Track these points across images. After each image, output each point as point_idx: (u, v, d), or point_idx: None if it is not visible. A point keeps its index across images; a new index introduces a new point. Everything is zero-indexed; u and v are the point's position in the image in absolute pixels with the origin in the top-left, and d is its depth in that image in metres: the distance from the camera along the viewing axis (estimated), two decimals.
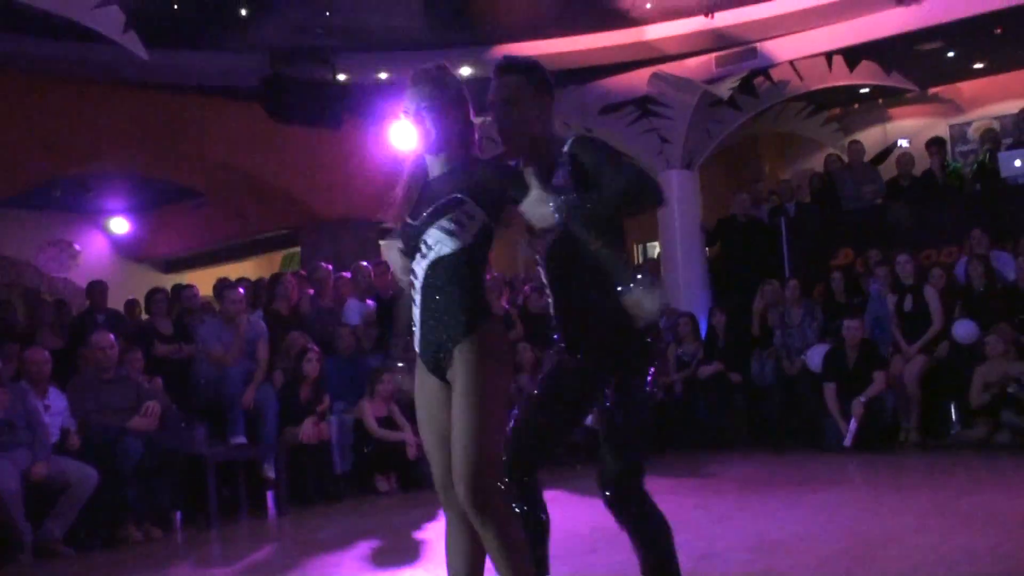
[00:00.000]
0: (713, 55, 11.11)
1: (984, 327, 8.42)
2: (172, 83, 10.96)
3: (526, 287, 10.54)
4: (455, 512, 3.04)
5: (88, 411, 6.83)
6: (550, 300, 3.31)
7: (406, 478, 8.04)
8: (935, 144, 11.01)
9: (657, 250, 12.79)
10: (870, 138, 12.83)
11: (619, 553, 4.07)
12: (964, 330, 8.51)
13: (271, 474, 7.79)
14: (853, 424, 8.39)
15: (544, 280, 3.32)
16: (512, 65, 3.26)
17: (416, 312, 3.07)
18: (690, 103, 10.95)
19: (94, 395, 6.91)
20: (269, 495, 7.87)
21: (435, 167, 3.11)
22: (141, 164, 12.40)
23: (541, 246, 3.24)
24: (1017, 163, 9.87)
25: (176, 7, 9.36)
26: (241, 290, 8.38)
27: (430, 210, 3.01)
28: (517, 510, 3.10)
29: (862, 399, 8.38)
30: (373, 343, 8.88)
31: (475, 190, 3.00)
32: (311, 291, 9.42)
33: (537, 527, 3.23)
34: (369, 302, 9.33)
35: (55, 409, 6.69)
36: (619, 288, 2.88)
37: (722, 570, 4.60)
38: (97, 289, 9.21)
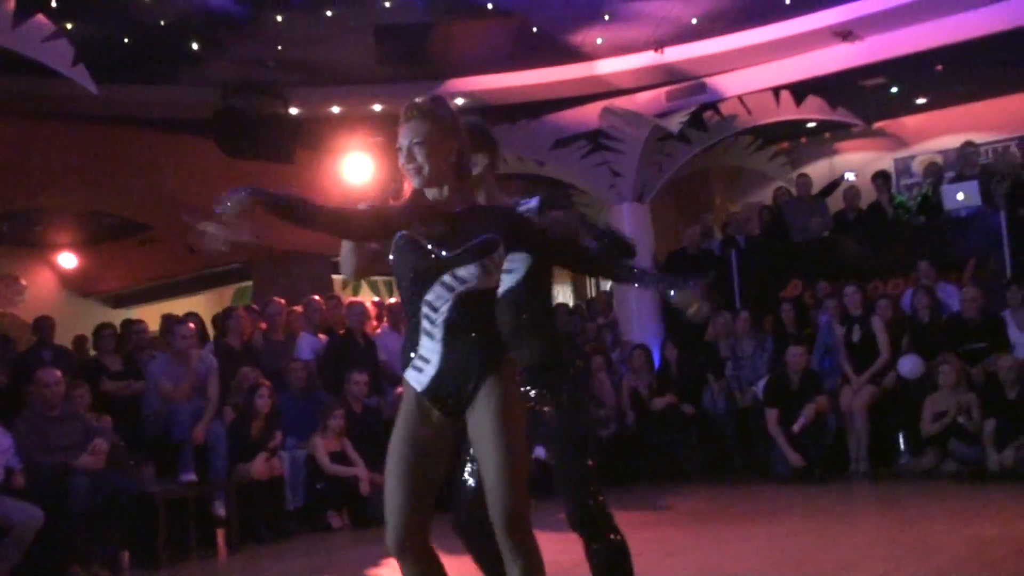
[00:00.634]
0: (663, 89, 11.26)
1: (929, 358, 8.57)
2: (123, 117, 10.85)
3: None
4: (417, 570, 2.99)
5: (34, 449, 6.69)
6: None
7: (359, 514, 7.97)
8: (880, 177, 11.21)
9: (610, 283, 12.87)
10: (817, 171, 13.04)
11: None
12: (909, 365, 8.65)
13: (222, 512, 7.68)
14: (801, 420, 8.56)
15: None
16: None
17: (430, 345, 2.97)
18: (641, 137, 11.07)
19: (40, 433, 6.78)
20: (219, 533, 7.76)
21: (430, 196, 3.05)
22: (91, 199, 12.26)
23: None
24: (960, 196, 10.08)
25: (127, 40, 9.31)
26: (191, 325, 8.29)
27: (468, 246, 2.94)
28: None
29: (810, 407, 8.58)
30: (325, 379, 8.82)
31: (504, 233, 2.99)
32: (263, 325, 9.35)
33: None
34: (321, 337, 9.28)
35: (0, 447, 6.56)
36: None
37: None
38: (44, 324, 9.07)
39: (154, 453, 7.56)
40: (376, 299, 12.87)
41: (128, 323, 9.41)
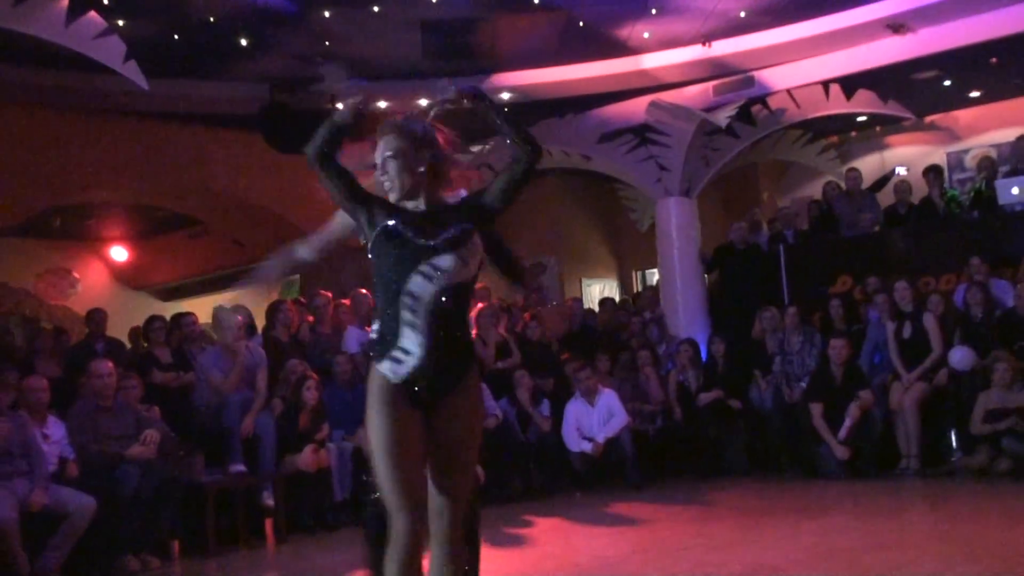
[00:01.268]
0: (711, 83, 11.18)
1: (982, 354, 8.43)
2: (172, 112, 11.01)
3: (525, 315, 10.54)
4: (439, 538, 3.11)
5: (86, 439, 6.80)
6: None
7: None
8: (932, 172, 11.05)
9: (656, 277, 12.81)
10: (868, 166, 12.89)
11: None
12: (959, 356, 8.52)
13: (270, 502, 7.76)
14: (848, 422, 8.47)
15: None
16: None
17: (413, 336, 3.03)
18: (688, 131, 11.00)
19: (92, 423, 6.88)
20: (268, 523, 7.84)
21: (409, 207, 3.19)
22: (142, 193, 12.43)
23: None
24: (1014, 191, 9.90)
25: (177, 37, 9.44)
26: (240, 318, 8.38)
27: (448, 235, 3.06)
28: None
29: (856, 404, 8.48)
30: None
31: (475, 221, 3.13)
32: (310, 318, 9.42)
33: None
34: (368, 330, 9.33)
35: (54, 438, 6.68)
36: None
37: None
38: (96, 317, 9.21)
39: (204, 444, 7.64)
40: None
41: (178, 315, 9.53)
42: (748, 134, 11.49)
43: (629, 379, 9.96)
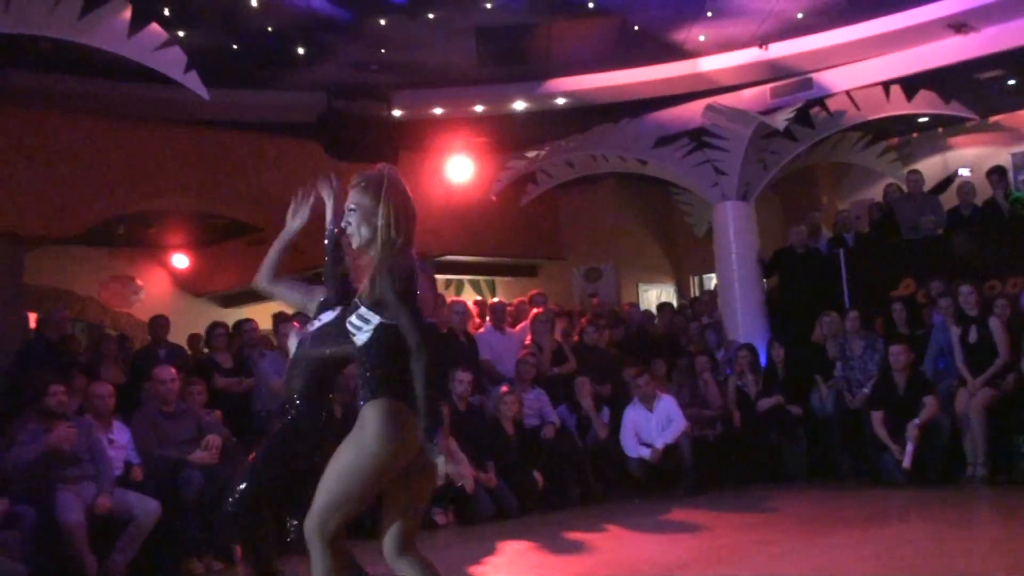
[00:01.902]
0: (768, 86, 11.09)
1: None
2: (232, 120, 11.17)
3: (583, 319, 10.52)
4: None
5: (150, 444, 6.92)
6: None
7: (463, 512, 8.02)
8: (996, 173, 10.82)
9: (714, 282, 12.72)
10: (930, 167, 12.67)
11: None
12: None
13: None
14: (910, 447, 8.29)
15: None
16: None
17: None
18: (745, 134, 10.91)
19: (156, 428, 7.00)
20: None
21: (370, 254, 3.43)
22: (202, 201, 12.62)
23: None
24: None
25: (235, 47, 9.58)
26: (296, 324, 8.44)
27: (347, 308, 3.47)
28: None
29: (916, 422, 8.29)
30: None
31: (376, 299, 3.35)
32: None
33: None
34: None
35: (119, 443, 6.80)
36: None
37: None
38: (159, 323, 9.36)
39: None
40: (478, 298, 12.95)
41: (239, 322, 9.65)
42: (806, 137, 11.36)
43: (687, 385, 9.90)
